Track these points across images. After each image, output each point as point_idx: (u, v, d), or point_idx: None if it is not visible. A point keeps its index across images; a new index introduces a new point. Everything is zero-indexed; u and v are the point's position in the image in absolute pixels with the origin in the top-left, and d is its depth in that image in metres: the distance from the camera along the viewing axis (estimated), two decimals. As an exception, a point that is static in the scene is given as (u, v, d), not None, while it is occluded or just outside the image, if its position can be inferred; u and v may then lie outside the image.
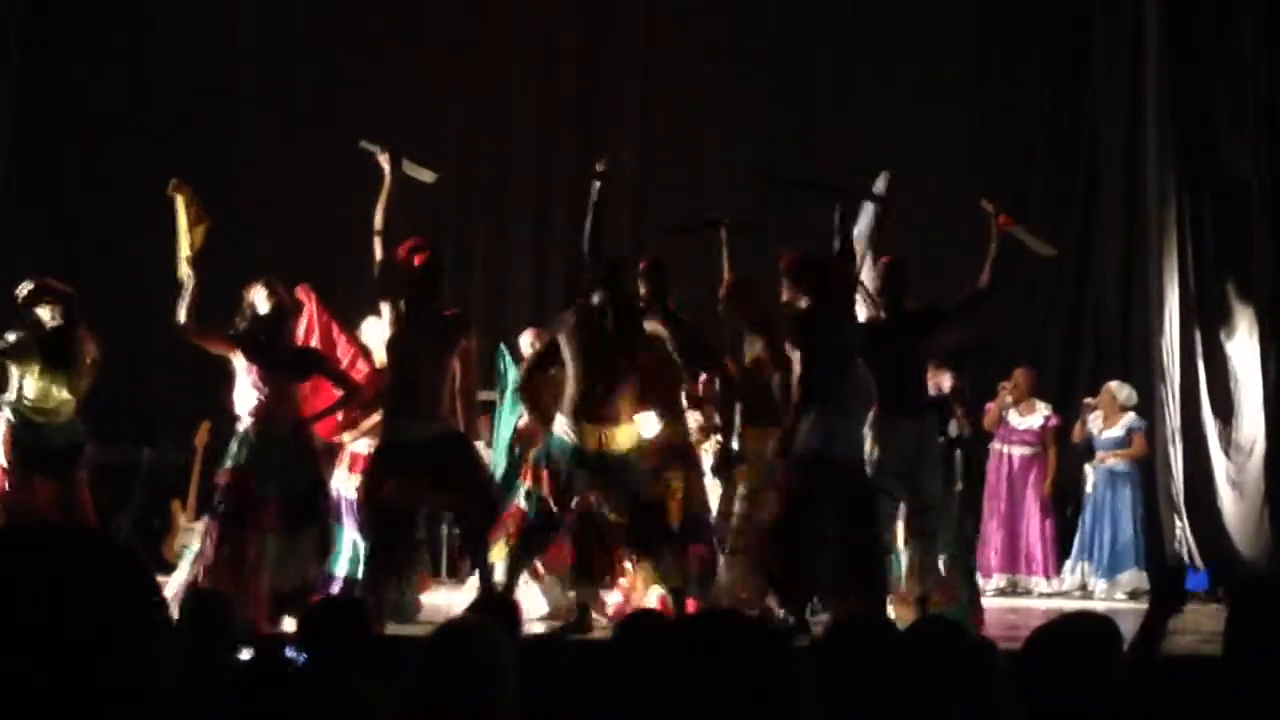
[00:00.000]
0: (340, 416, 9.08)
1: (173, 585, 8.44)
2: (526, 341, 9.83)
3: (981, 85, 13.24)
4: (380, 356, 9.04)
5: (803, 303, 8.36)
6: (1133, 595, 11.41)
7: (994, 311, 11.75)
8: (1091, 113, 13.07)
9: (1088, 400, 12.11)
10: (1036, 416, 12.11)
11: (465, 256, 13.43)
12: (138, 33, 13.28)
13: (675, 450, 8.50)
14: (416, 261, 8.23)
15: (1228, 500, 11.74)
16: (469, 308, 12.55)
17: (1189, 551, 11.74)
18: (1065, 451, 12.15)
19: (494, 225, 13.89)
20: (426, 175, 8.78)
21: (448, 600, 9.49)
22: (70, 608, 1.84)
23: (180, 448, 10.75)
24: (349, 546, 9.19)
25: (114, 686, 1.85)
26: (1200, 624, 7.94)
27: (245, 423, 8.44)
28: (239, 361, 8.46)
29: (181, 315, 8.37)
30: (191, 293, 8.37)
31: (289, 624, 7.71)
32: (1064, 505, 12.23)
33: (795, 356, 8.31)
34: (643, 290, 8.57)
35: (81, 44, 13.28)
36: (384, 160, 8.46)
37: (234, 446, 8.46)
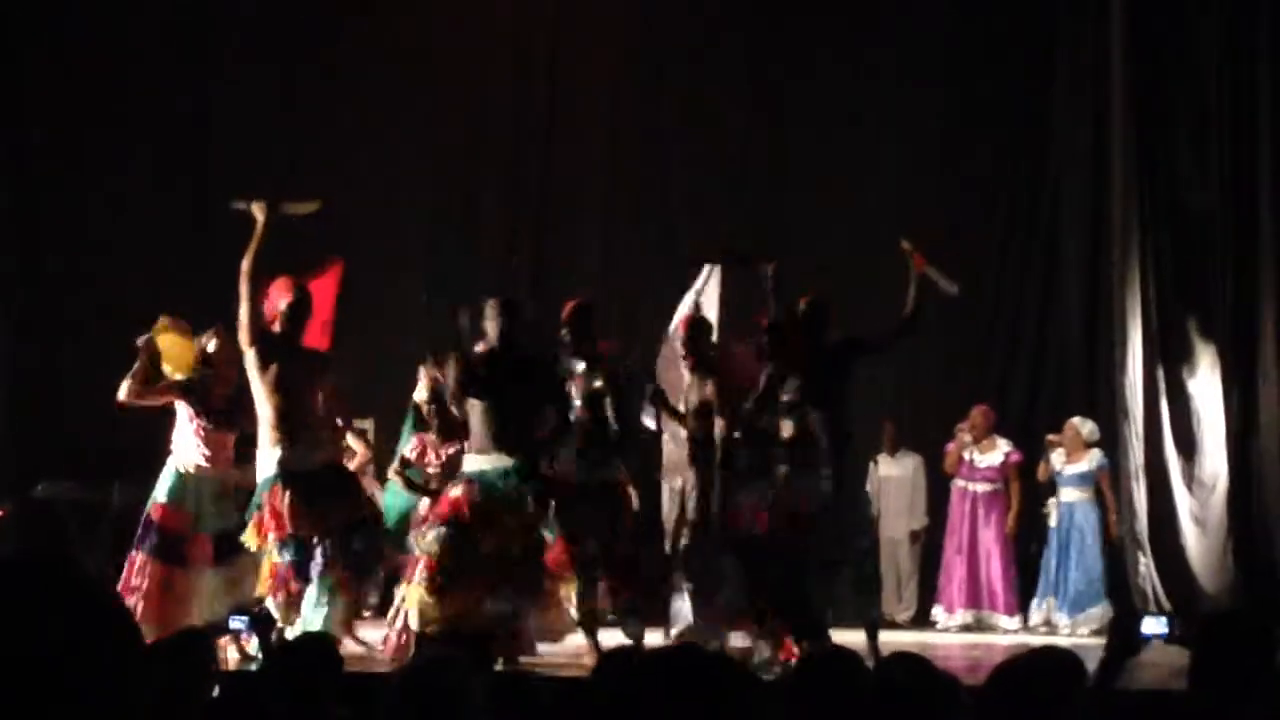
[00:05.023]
0: None
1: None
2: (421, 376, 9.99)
3: (946, 124, 13.27)
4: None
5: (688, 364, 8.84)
6: (1099, 631, 11.42)
7: (958, 349, 11.94)
8: (1055, 151, 13.14)
9: (1051, 437, 12.14)
10: (997, 453, 12.13)
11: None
12: (108, 32, 13.34)
13: None
14: (285, 301, 8.53)
15: (1191, 537, 11.79)
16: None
17: (1153, 587, 11.81)
18: (1027, 487, 12.19)
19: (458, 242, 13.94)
20: (309, 207, 8.90)
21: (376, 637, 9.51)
22: (43, 639, 1.85)
23: (150, 485, 10.81)
24: None
25: (87, 717, 1.87)
26: (1163, 660, 7.97)
27: (180, 461, 8.86)
28: (181, 407, 8.89)
29: (122, 394, 8.81)
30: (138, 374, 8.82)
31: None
32: (1028, 541, 12.26)
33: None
34: (568, 334, 8.84)
35: (49, 49, 13.33)
36: (258, 211, 8.62)
37: (168, 482, 8.84)
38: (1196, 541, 11.77)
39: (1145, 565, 11.89)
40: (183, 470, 8.86)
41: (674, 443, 12.08)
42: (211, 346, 8.97)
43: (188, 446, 8.88)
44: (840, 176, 13.22)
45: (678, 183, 13.77)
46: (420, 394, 10.13)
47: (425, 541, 8.45)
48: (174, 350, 9.01)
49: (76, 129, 13.20)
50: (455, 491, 8.45)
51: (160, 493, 8.84)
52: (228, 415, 8.95)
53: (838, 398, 8.74)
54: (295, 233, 11.81)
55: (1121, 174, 12.33)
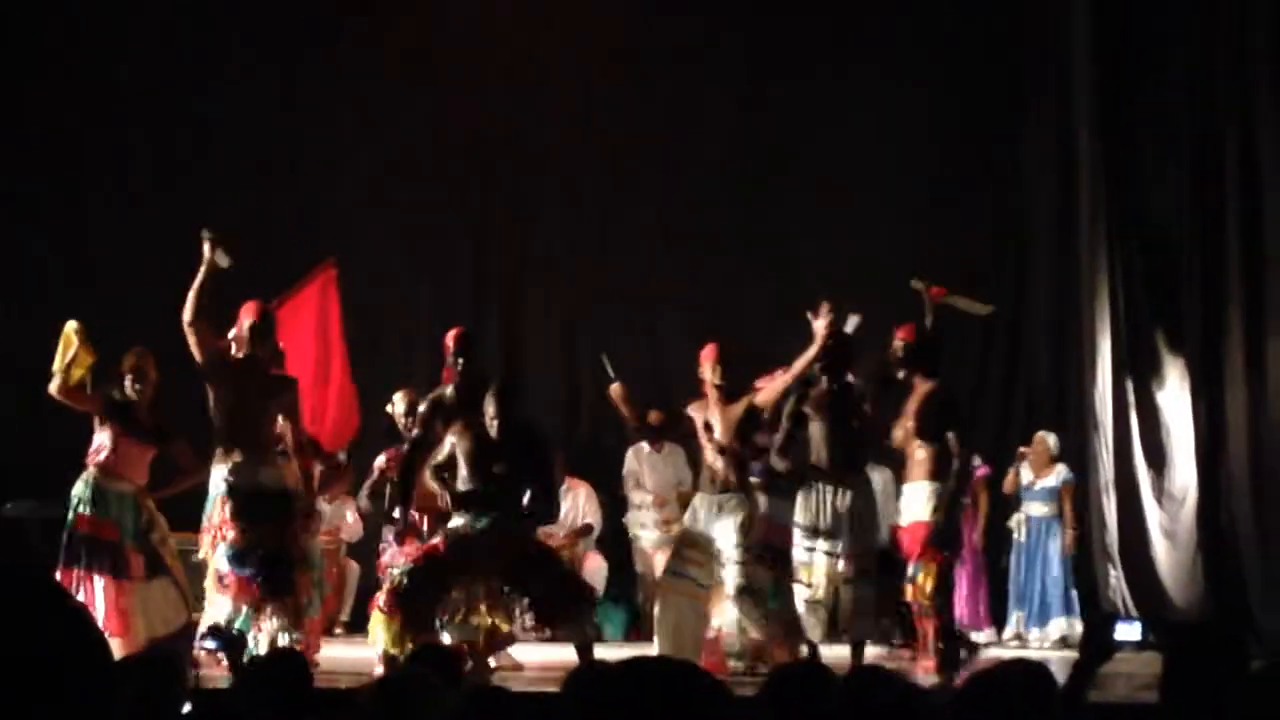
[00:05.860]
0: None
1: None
2: (399, 400, 10.16)
3: (914, 141, 13.30)
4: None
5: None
6: (1063, 642, 11.48)
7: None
8: (1023, 167, 13.19)
9: (1022, 449, 12.18)
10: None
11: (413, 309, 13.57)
12: (108, 33, 13.33)
13: None
14: (249, 323, 8.95)
15: (1161, 550, 11.83)
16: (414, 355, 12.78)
17: (1123, 600, 11.84)
18: (996, 500, 12.21)
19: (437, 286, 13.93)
20: (224, 261, 9.01)
21: (348, 654, 9.58)
22: (15, 653, 1.85)
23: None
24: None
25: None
26: (1136, 671, 8.02)
27: (91, 471, 9.07)
28: (103, 423, 9.13)
29: (53, 387, 9.10)
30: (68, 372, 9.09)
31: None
32: (997, 555, 12.28)
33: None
34: (460, 362, 9.34)
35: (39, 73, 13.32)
36: (207, 248, 8.91)
37: (83, 491, 9.04)
38: (1166, 554, 11.80)
39: (1115, 578, 11.93)
40: (100, 483, 9.05)
41: (642, 461, 12.17)
42: (130, 372, 9.15)
43: (106, 459, 9.06)
44: (818, 183, 13.30)
45: (672, 187, 13.78)
46: (399, 407, 10.20)
47: (394, 574, 8.67)
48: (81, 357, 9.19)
49: (77, 129, 13.17)
50: (434, 540, 8.80)
51: (82, 506, 9.02)
52: (150, 431, 9.16)
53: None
54: (289, 240, 11.96)
55: (1089, 188, 12.38)
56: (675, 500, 12.77)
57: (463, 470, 8.66)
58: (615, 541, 12.61)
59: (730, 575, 8.94)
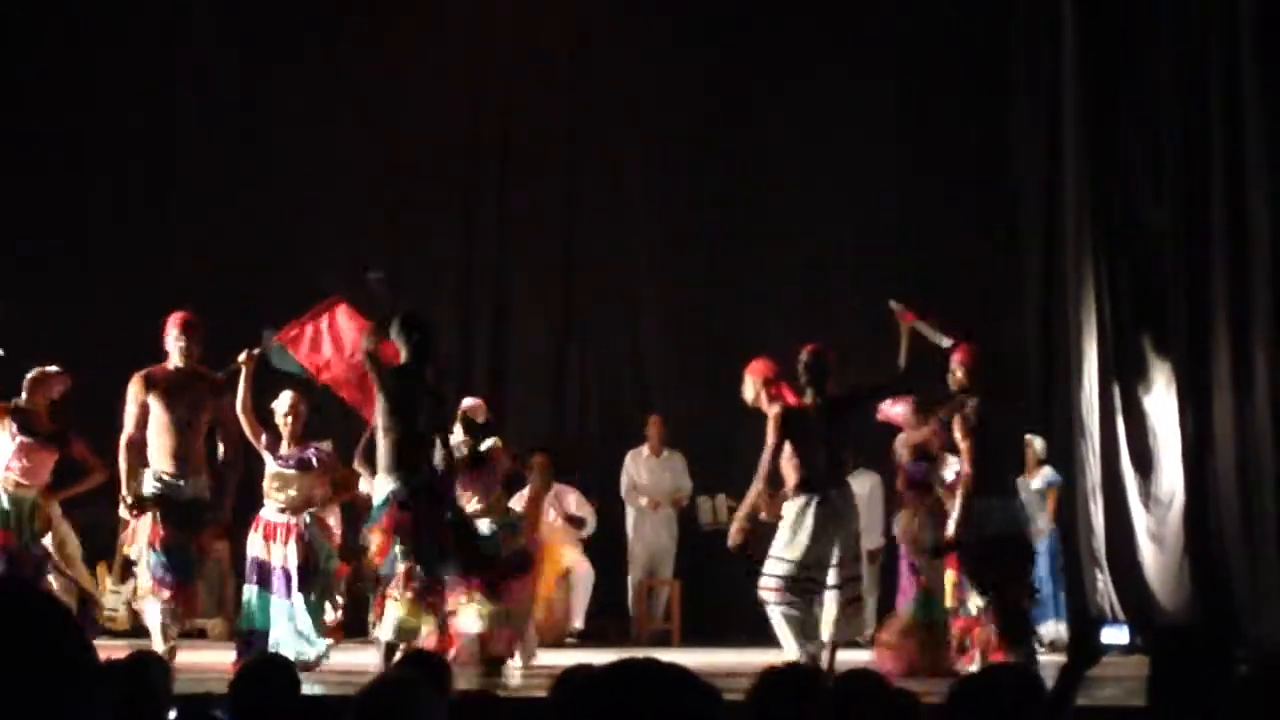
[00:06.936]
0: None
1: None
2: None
3: (901, 148, 13.31)
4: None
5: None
6: (1051, 646, 11.47)
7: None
8: (1010, 172, 13.20)
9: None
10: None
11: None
12: (106, 33, 13.32)
13: None
14: (177, 333, 9.16)
15: (1148, 553, 11.84)
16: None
17: (1110, 604, 11.84)
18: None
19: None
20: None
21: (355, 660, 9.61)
22: (7, 655, 1.85)
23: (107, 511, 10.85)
24: (281, 610, 9.53)
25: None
26: (1123, 675, 8.02)
27: (2, 482, 9.30)
28: (4, 430, 9.33)
29: None
30: None
31: None
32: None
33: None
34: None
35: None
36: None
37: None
38: (1153, 558, 11.80)
39: (1103, 582, 11.94)
40: (7, 492, 9.29)
41: (640, 466, 12.17)
42: (31, 386, 9.43)
43: (13, 468, 9.30)
44: (808, 185, 13.30)
45: (669, 188, 13.80)
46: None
47: (388, 564, 8.69)
48: None
49: (76, 129, 13.17)
50: (389, 514, 8.79)
51: None
52: (50, 436, 9.40)
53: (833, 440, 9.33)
54: (288, 239, 11.89)
55: (1075, 193, 12.39)
56: (671, 506, 12.78)
57: (395, 430, 8.78)
58: (606, 546, 12.60)
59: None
